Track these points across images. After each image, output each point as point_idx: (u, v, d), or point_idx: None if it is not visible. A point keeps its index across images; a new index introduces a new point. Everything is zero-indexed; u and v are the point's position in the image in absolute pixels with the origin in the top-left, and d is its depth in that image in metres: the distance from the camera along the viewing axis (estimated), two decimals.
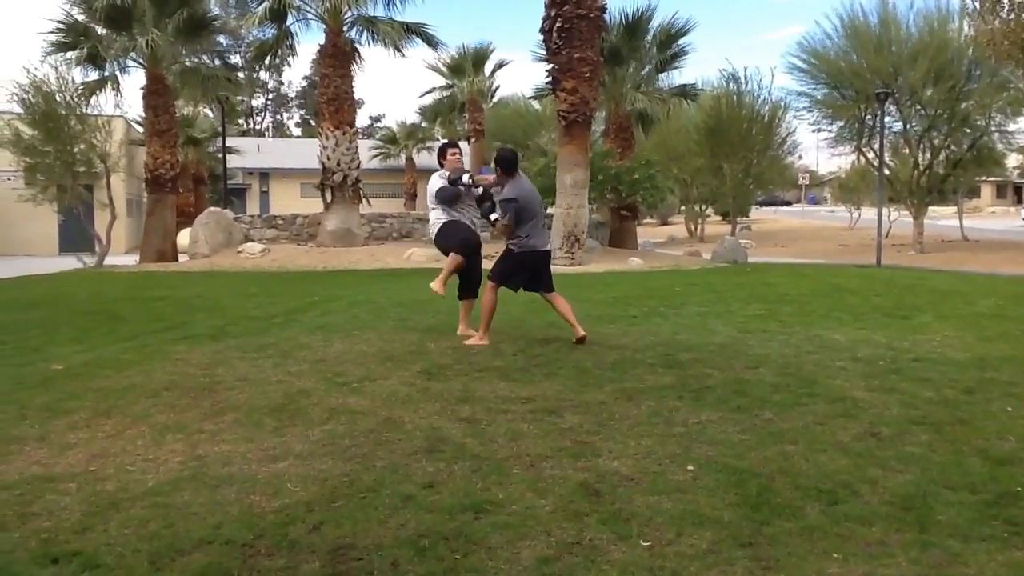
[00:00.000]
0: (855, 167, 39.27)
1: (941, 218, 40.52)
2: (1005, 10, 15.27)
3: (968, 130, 27.34)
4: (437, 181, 7.54)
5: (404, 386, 5.62)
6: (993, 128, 27.70)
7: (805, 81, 29.01)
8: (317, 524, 3.29)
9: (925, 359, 6.40)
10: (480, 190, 7.49)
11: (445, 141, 8.43)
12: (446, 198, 7.45)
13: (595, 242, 21.45)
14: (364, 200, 22.30)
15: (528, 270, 7.29)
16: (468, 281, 7.79)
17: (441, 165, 7.70)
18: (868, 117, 27.33)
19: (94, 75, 22.15)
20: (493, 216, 7.24)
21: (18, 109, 19.93)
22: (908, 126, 27.83)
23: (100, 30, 21.92)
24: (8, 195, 23.61)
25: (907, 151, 28.87)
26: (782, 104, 31.08)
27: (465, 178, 7.48)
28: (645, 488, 3.65)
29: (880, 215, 22.65)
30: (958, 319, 8.64)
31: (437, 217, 7.59)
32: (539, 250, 7.27)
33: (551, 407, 5.01)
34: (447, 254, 7.58)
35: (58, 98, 19.86)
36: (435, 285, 7.48)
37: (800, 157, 51.56)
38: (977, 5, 16.12)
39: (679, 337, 7.55)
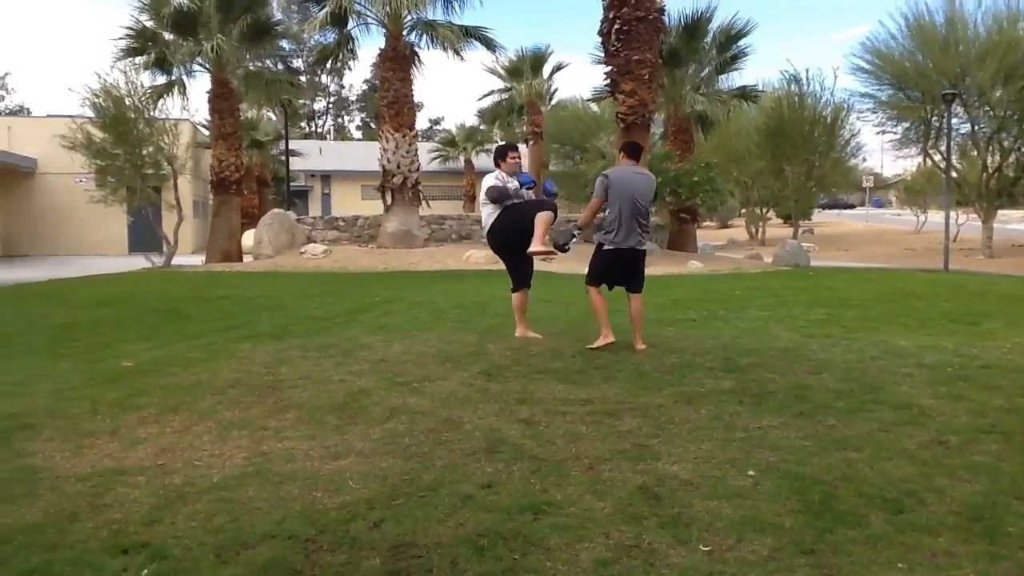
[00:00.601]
0: (921, 169, 38.47)
1: (1011, 222, 39.42)
2: None
3: None
4: (492, 179, 7.44)
5: (463, 387, 5.65)
6: None
7: (869, 82, 28.54)
8: (378, 521, 3.33)
9: (994, 366, 6.24)
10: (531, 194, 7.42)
11: (503, 143, 8.25)
12: (496, 196, 7.33)
13: (654, 245, 21.30)
14: (424, 202, 22.45)
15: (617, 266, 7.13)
16: (520, 273, 7.68)
17: (498, 167, 7.58)
18: (934, 118, 26.74)
19: (162, 79, 22.75)
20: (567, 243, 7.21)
21: (90, 113, 20.53)
22: (976, 127, 27.16)
23: (167, 36, 22.48)
24: (80, 196, 24.37)
25: (975, 153, 28.18)
26: (845, 105, 30.56)
27: (511, 186, 7.34)
28: (705, 493, 3.62)
29: (947, 218, 22.15)
30: None
31: (488, 214, 7.49)
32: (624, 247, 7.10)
33: (610, 410, 5.00)
34: (499, 253, 7.61)
35: (127, 102, 20.39)
36: (536, 246, 7.15)
37: (864, 159, 50.52)
38: None
39: (739, 341, 7.47)
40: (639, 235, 7.05)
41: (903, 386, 5.59)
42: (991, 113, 26.52)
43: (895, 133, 29.69)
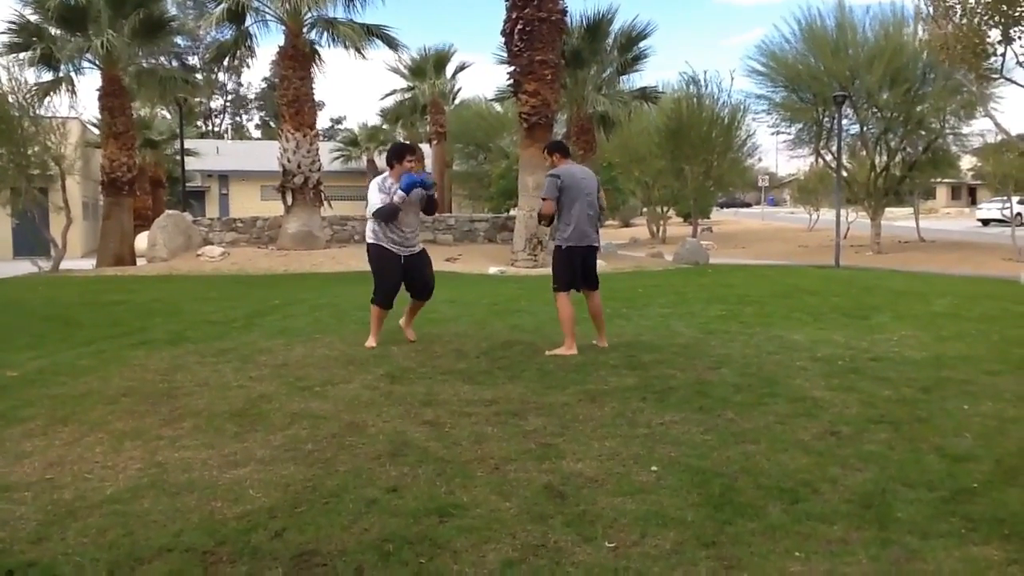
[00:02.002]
0: (813, 169, 39.73)
1: (898, 219, 41.16)
2: (958, 15, 15.55)
3: (923, 132, 27.77)
4: (376, 194, 7.16)
5: (367, 390, 5.59)
6: (947, 131, 28.16)
7: (764, 84, 29.33)
8: (280, 530, 3.26)
9: (883, 358, 6.50)
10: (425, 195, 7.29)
11: (402, 143, 7.95)
12: (385, 216, 7.15)
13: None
14: (325, 203, 22.12)
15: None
16: (414, 292, 7.64)
17: (391, 167, 7.29)
18: (826, 120, 27.68)
19: (48, 76, 21.80)
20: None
21: None
22: (865, 128, 28.22)
23: (54, 31, 21.56)
24: None
25: (864, 153, 29.27)
26: (741, 107, 31.39)
27: (396, 199, 7.08)
28: (609, 489, 3.66)
29: (838, 216, 22.96)
30: (915, 319, 8.79)
31: (372, 230, 7.36)
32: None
33: (515, 409, 5.01)
34: (373, 272, 7.50)
35: (11, 99, 19.49)
36: (369, 343, 7.24)
37: (760, 159, 52.04)
38: (931, 10, 16.42)
39: (642, 338, 7.60)
40: (593, 232, 7.11)
41: (798, 379, 5.77)
42: (879, 115, 27.59)
43: (789, 134, 30.66)
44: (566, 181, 6.93)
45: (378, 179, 7.31)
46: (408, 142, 7.94)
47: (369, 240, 7.39)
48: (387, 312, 7.42)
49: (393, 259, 7.32)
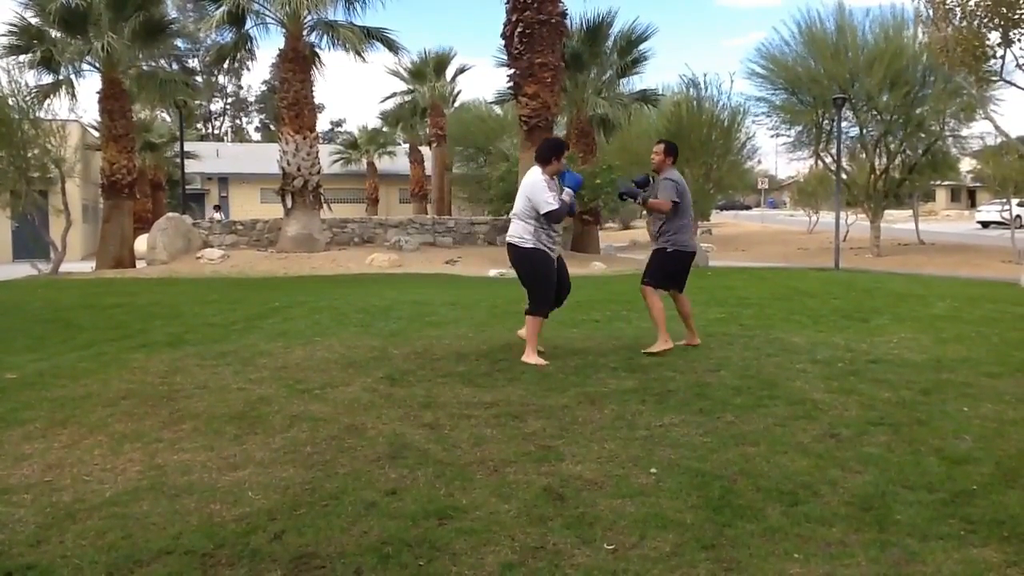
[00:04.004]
0: (813, 172, 39.70)
1: (897, 222, 41.14)
2: (957, 18, 15.55)
3: (923, 135, 27.77)
4: (547, 192, 6.56)
5: (366, 392, 5.59)
6: (947, 133, 28.17)
7: (764, 87, 29.33)
8: (279, 533, 3.26)
9: (883, 361, 6.50)
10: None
11: (557, 139, 7.23)
12: (558, 218, 6.67)
13: (558, 247, 21.48)
14: (325, 205, 22.11)
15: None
16: (558, 298, 7.04)
17: (544, 164, 6.71)
18: (825, 122, 27.68)
19: (48, 79, 21.80)
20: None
21: None
22: (865, 131, 28.23)
23: (54, 33, 21.56)
24: None
25: (864, 156, 29.27)
26: (741, 109, 31.39)
27: (566, 198, 6.69)
28: (608, 492, 3.66)
29: (838, 219, 22.96)
30: (915, 321, 8.78)
31: (528, 233, 6.65)
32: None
33: (514, 412, 5.01)
34: (525, 283, 6.85)
35: (11, 102, 19.48)
36: (529, 359, 6.50)
37: (759, 162, 52.11)
38: (931, 13, 16.41)
39: (642, 341, 7.58)
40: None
41: (797, 382, 5.77)
42: (878, 117, 27.58)
43: (788, 136, 30.65)
44: (682, 186, 7.01)
45: (539, 177, 6.66)
46: (559, 137, 7.52)
47: (526, 244, 6.68)
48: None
49: (551, 263, 6.79)
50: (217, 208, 36.02)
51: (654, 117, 30.39)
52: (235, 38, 22.07)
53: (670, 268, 7.11)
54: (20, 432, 4.77)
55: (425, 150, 43.23)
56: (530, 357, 6.50)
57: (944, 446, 4.25)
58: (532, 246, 6.65)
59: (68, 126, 21.90)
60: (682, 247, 7.06)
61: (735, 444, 4.32)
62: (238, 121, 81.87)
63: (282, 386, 5.81)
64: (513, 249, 6.80)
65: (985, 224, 41.45)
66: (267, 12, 21.34)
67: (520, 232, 6.68)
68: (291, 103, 20.89)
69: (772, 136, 45.83)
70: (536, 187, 6.58)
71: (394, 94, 42.56)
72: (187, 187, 33.86)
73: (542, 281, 6.72)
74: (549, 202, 6.53)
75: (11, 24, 21.00)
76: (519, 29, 17.81)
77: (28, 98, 20.03)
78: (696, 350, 7.07)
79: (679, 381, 5.81)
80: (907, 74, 25.80)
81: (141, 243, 22.19)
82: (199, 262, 19.64)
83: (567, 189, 6.71)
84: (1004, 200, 29.97)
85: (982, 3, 15.04)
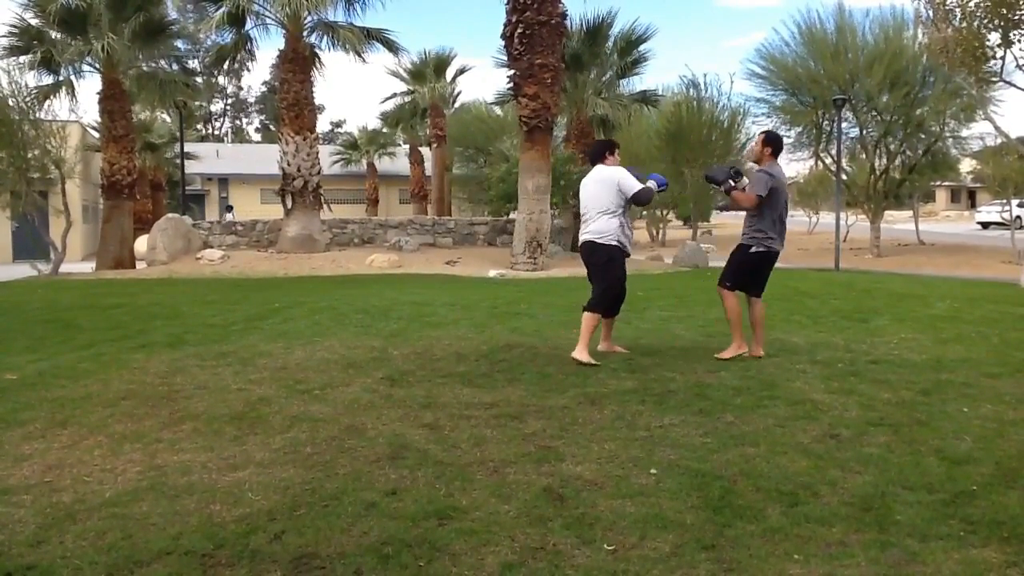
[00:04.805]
0: (813, 172, 39.75)
1: (897, 222, 41.17)
2: (957, 19, 15.55)
3: (923, 136, 27.79)
4: (630, 178, 6.59)
5: (366, 393, 5.59)
6: (947, 134, 28.18)
7: (764, 87, 29.36)
8: (279, 533, 3.26)
9: (883, 361, 6.50)
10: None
11: (608, 140, 7.21)
12: (646, 199, 6.72)
13: (558, 247, 21.50)
14: (325, 206, 22.10)
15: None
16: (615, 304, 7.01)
17: (603, 160, 6.82)
18: (825, 123, 27.70)
19: (48, 80, 21.79)
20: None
21: None
22: (865, 132, 28.24)
23: (54, 34, 21.56)
24: None
25: (864, 156, 29.30)
26: (741, 110, 31.40)
27: (653, 184, 6.72)
28: (608, 492, 3.66)
29: (838, 219, 22.97)
30: (915, 322, 8.78)
31: (612, 229, 6.64)
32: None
33: (514, 412, 5.01)
34: (595, 279, 6.80)
35: (11, 103, 19.48)
36: (580, 356, 6.45)
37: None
38: (931, 13, 16.41)
39: (642, 341, 7.59)
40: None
41: (797, 382, 5.77)
42: (878, 118, 27.60)
43: (788, 137, 30.56)
44: (777, 182, 6.64)
45: (618, 167, 6.77)
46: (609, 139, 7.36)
47: (606, 241, 6.66)
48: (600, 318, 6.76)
49: (624, 264, 6.82)
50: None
51: (654, 118, 30.41)
52: (235, 39, 22.06)
53: (749, 268, 6.75)
54: (20, 432, 4.77)
55: (425, 151, 43.20)
56: (581, 354, 6.44)
57: (944, 446, 4.25)
58: (614, 242, 6.65)
59: (68, 127, 21.89)
60: (768, 247, 6.68)
61: (735, 445, 4.32)
62: (238, 122, 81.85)
63: (282, 387, 5.81)
64: (590, 245, 6.75)
65: (985, 225, 41.47)
66: (267, 13, 21.34)
67: (603, 228, 6.65)
68: (291, 104, 20.89)
69: None
70: (623, 173, 6.61)
71: (394, 95, 42.58)
72: (187, 188, 33.87)
73: (611, 277, 6.72)
74: (634, 186, 6.54)
75: (11, 25, 20.99)
76: (519, 30, 17.78)
77: (28, 99, 20.02)
78: (696, 350, 7.07)
79: (679, 382, 5.81)
80: (907, 75, 25.81)
81: (141, 244, 22.19)
82: (199, 263, 19.64)
83: (652, 178, 6.70)
84: (1004, 201, 29.99)
85: (982, 3, 15.03)
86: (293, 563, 3.00)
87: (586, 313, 6.64)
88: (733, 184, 6.79)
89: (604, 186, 6.66)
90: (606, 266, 6.71)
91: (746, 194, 6.68)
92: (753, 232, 6.69)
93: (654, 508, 3.46)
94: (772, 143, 6.84)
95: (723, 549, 3.07)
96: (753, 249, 6.69)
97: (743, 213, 6.90)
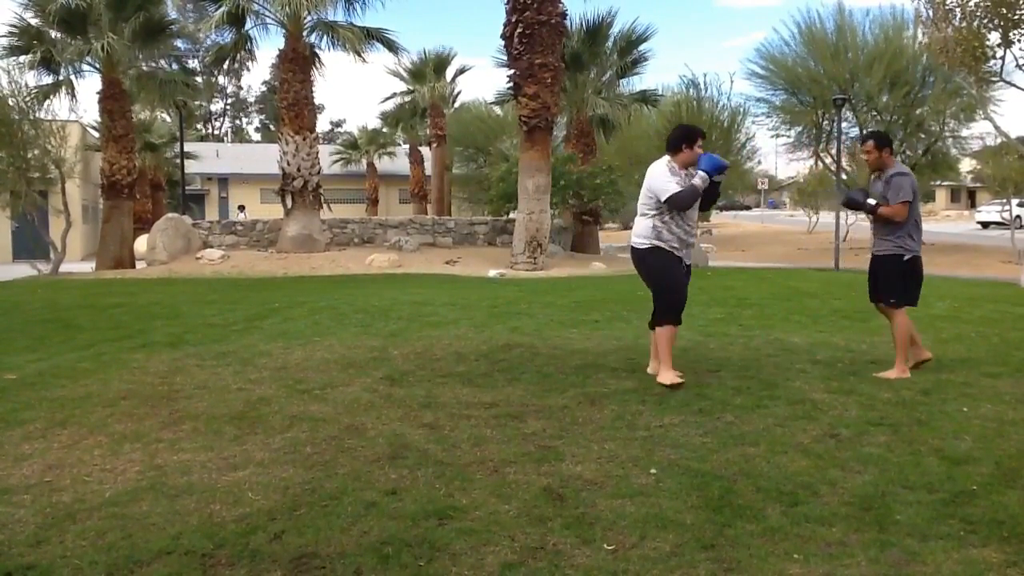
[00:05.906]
0: (813, 172, 39.73)
1: None
2: (957, 18, 15.54)
3: (923, 135, 27.82)
4: (669, 178, 5.78)
5: (366, 392, 5.59)
6: (947, 133, 28.22)
7: (763, 87, 29.37)
8: (279, 533, 3.26)
9: (883, 361, 6.50)
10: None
11: (690, 126, 6.24)
12: (684, 203, 5.79)
13: (557, 247, 21.50)
14: (325, 206, 22.09)
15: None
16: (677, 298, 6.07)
17: (676, 152, 5.88)
18: (825, 122, 27.72)
19: (48, 79, 21.79)
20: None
21: None
22: (865, 131, 28.23)
23: (54, 34, 21.56)
24: None
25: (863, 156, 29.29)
26: (741, 110, 31.42)
27: (698, 181, 5.78)
28: (608, 492, 3.66)
29: (838, 219, 22.97)
30: (914, 321, 8.76)
31: (648, 231, 5.90)
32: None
33: (514, 412, 5.01)
34: (649, 288, 6.11)
35: (11, 103, 19.47)
36: (664, 378, 5.66)
37: (759, 162, 52.05)
38: (931, 13, 16.40)
39: (641, 342, 7.57)
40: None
41: (797, 382, 5.77)
42: (878, 117, 27.61)
43: (788, 136, 30.70)
44: (914, 180, 6.13)
45: (662, 165, 5.88)
46: (693, 125, 6.25)
47: (644, 244, 5.95)
48: (677, 330, 6.03)
49: (677, 263, 5.92)
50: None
51: (654, 117, 30.41)
52: (235, 38, 22.04)
53: (910, 278, 6.18)
54: (20, 432, 4.77)
55: (425, 150, 43.19)
56: (664, 376, 5.68)
57: (944, 446, 4.25)
58: (649, 246, 5.91)
59: (68, 127, 21.88)
60: (915, 252, 6.14)
61: (735, 444, 4.32)
62: (238, 121, 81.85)
63: (282, 386, 5.81)
64: (632, 252, 6.10)
65: (985, 224, 41.46)
66: (267, 12, 21.34)
67: (639, 231, 5.97)
68: (291, 103, 20.88)
69: (772, 137, 45.84)
70: (656, 175, 5.84)
71: (394, 94, 42.56)
72: (187, 188, 33.88)
73: (665, 284, 5.94)
74: (669, 188, 5.72)
75: (11, 25, 20.99)
76: (519, 30, 17.78)
77: (28, 99, 20.02)
78: (696, 350, 7.07)
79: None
80: (907, 74, 25.82)
81: (141, 243, 22.18)
82: (199, 262, 19.63)
83: (700, 172, 5.79)
84: (1004, 200, 29.97)
85: (982, 3, 15.02)
86: (293, 563, 3.00)
87: (656, 329, 5.93)
88: (875, 202, 6.15)
89: (644, 184, 5.97)
90: (647, 272, 6.05)
91: (893, 206, 6.03)
92: (896, 239, 6.11)
93: (654, 508, 3.46)
94: (888, 143, 6.34)
95: (723, 549, 3.07)
96: (907, 257, 6.12)
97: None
